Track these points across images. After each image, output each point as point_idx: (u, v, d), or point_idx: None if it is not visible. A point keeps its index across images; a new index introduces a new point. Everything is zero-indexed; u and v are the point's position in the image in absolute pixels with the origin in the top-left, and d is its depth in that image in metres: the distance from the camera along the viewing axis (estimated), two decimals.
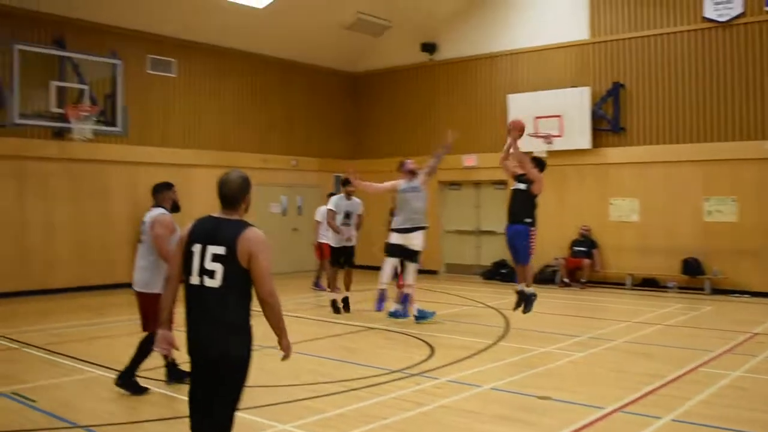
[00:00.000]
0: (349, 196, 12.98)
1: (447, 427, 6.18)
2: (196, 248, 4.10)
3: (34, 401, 6.90)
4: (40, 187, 15.10)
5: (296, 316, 12.19)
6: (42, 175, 15.09)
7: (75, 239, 15.52)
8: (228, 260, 4.02)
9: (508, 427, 6.17)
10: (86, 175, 15.71)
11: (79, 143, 14.74)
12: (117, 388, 7.14)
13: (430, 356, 8.99)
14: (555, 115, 17.14)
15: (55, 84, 14.06)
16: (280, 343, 4.35)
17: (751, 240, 15.18)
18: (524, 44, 18.35)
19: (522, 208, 10.35)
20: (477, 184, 19.52)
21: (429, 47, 19.91)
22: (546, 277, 17.31)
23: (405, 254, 11.38)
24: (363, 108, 21.93)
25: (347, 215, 12.83)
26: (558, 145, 17.13)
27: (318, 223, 15.42)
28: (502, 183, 18.67)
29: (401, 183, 11.61)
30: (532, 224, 10.31)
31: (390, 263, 11.47)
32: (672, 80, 16.27)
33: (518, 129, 10.58)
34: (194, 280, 4.08)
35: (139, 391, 7.14)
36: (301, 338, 9.82)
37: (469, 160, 19.17)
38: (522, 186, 10.47)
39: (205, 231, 4.13)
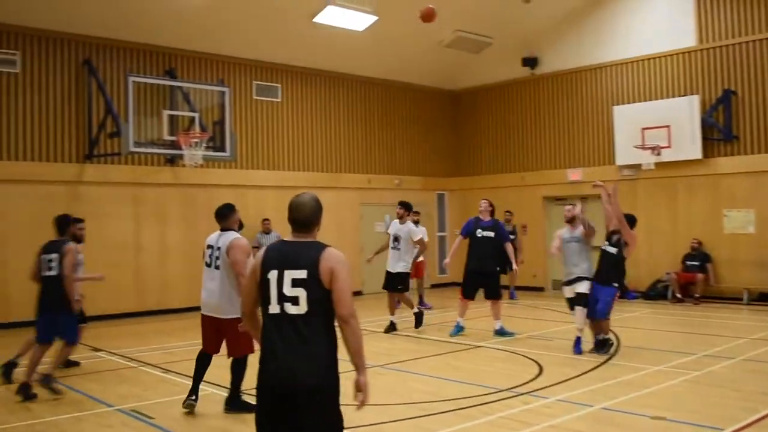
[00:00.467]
0: (401, 220, 12.75)
1: None
2: (272, 275, 3.85)
3: (152, 418, 7.17)
4: (155, 211, 15.72)
5: (405, 335, 12.25)
6: (157, 200, 15.72)
7: (188, 261, 16.06)
8: (310, 283, 3.79)
9: None
10: (198, 199, 16.26)
11: (191, 169, 15.29)
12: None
13: (539, 375, 8.88)
14: (663, 126, 16.68)
15: (167, 113, 14.64)
16: (357, 381, 3.86)
17: None
18: (628, 54, 17.96)
19: (613, 271, 10.04)
20: (583, 198, 19.15)
21: (530, 61, 19.76)
22: (658, 293, 16.83)
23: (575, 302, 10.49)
24: (465, 125, 21.91)
25: (395, 239, 12.73)
26: (666, 156, 16.67)
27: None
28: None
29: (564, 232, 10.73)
30: (620, 288, 10.13)
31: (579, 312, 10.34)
32: None
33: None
34: (274, 308, 3.83)
35: (251, 408, 7.11)
36: (410, 356, 9.87)
37: (575, 174, 18.87)
38: (612, 250, 10.06)
39: (281, 256, 3.90)
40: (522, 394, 7.89)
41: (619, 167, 17.86)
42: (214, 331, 7.33)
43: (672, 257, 16.81)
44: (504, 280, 13.57)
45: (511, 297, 17.11)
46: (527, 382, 8.43)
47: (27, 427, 7.03)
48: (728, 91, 16.26)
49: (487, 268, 12.05)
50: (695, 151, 16.43)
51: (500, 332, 11.83)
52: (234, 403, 7.36)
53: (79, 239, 9.57)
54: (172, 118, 14.84)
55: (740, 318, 14.10)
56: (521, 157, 20.29)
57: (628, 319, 13.61)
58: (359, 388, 3.85)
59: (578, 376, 8.75)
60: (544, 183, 19.65)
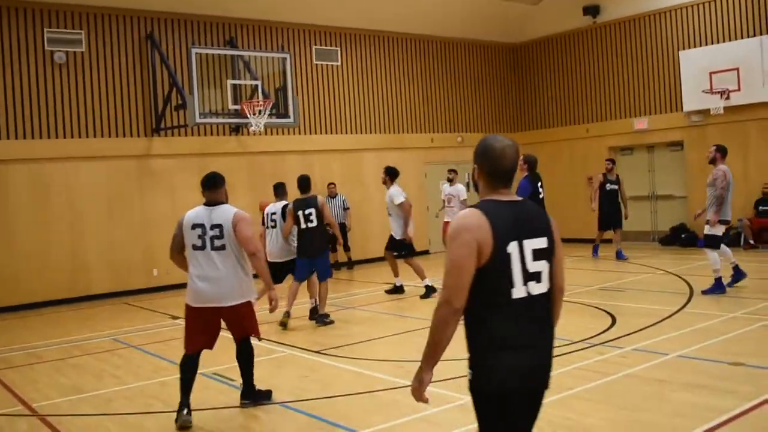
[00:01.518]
0: (385, 185, 12.54)
1: (637, 396, 6.10)
2: (513, 248, 2.98)
3: (233, 380, 7.40)
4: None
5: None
6: (224, 168, 15.87)
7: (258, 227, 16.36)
8: (550, 254, 3.11)
9: (702, 395, 6.00)
10: (264, 167, 16.48)
11: (255, 137, 15.50)
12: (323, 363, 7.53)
13: (612, 325, 8.87)
14: (732, 69, 16.23)
15: (230, 82, 14.81)
16: None
17: None
18: None
19: None
20: (650, 147, 18.83)
21: (591, 10, 19.33)
22: (731, 240, 16.46)
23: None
24: (526, 79, 21.65)
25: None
26: (736, 100, 16.22)
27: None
28: (678, 144, 17.98)
29: None
30: None
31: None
32: None
33: None
34: (519, 292, 3.00)
35: (268, 396, 6.67)
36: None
37: (641, 123, 18.52)
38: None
39: (516, 222, 3.02)
40: (596, 345, 7.91)
41: (686, 114, 17.47)
42: (214, 324, 6.29)
43: (744, 203, 16.43)
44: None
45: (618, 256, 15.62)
46: (600, 333, 8.44)
47: (109, 395, 7.34)
48: None
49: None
50: (766, 94, 15.95)
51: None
52: (256, 395, 6.63)
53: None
54: (235, 87, 14.98)
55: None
56: (586, 108, 19.98)
57: (700, 267, 13.40)
58: None
59: (652, 325, 8.72)
60: (609, 134, 19.34)
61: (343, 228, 16.13)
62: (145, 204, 15.09)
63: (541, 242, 3.07)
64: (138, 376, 7.94)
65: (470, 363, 3.09)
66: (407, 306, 11.76)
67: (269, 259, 10.05)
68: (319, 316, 10.30)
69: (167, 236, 15.11)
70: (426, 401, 3.20)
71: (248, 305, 6.35)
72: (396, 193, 12.09)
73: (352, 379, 7.32)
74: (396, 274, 12.74)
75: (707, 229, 10.58)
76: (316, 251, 10.22)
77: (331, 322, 10.28)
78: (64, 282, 14.16)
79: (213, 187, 6.44)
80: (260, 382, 7.03)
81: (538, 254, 3.05)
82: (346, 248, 16.77)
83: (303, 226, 10.19)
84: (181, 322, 11.14)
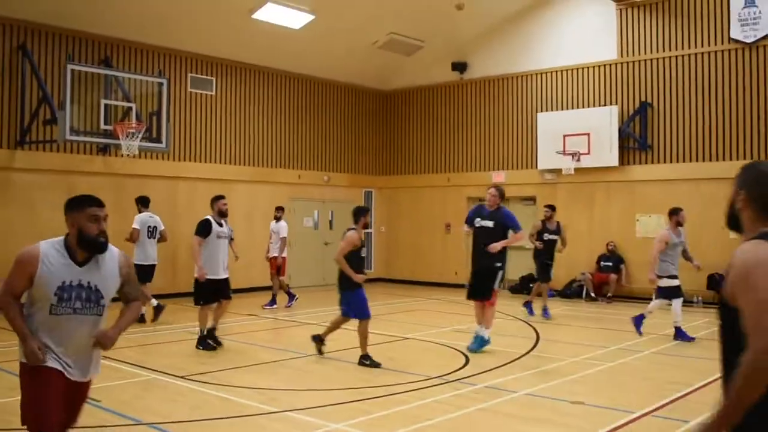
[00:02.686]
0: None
1: (489, 428, 6.64)
2: None
3: (99, 401, 7.40)
4: None
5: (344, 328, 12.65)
6: (88, 188, 15.60)
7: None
8: None
9: (545, 428, 6.60)
10: (129, 189, 16.28)
11: (122, 159, 15.33)
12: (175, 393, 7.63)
13: (465, 364, 9.43)
14: (583, 133, 17.58)
15: (104, 102, 14.65)
16: None
17: None
18: (553, 63, 18.81)
19: None
20: (506, 200, 19.88)
21: (460, 66, 20.42)
22: (573, 292, 17.70)
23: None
24: (395, 125, 22.45)
25: None
26: (586, 162, 17.56)
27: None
28: (531, 199, 19.12)
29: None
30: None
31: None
32: (698, 99, 16.65)
33: None
34: None
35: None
36: (346, 346, 10.30)
37: (498, 176, 19.61)
38: None
39: None
40: (451, 381, 8.42)
41: (540, 171, 18.69)
42: None
43: (588, 258, 17.70)
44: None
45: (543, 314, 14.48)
46: (455, 371, 8.97)
47: None
48: (645, 104, 17.25)
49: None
50: (612, 159, 17.37)
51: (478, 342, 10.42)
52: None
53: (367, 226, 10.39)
54: (107, 107, 14.82)
55: (649, 316, 14.96)
56: (448, 158, 20.94)
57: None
58: None
59: (502, 365, 9.35)
60: (468, 184, 20.34)
61: None
62: (0, 218, 14.55)
63: None
64: None
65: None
66: (272, 337, 11.97)
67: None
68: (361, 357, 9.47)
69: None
70: None
71: None
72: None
73: (220, 404, 7.48)
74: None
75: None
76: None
77: (376, 364, 9.29)
78: None
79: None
80: (126, 405, 7.12)
81: None
82: None
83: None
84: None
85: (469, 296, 11.05)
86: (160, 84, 15.26)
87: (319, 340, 10.03)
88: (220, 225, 10.64)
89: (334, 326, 9.95)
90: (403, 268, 21.65)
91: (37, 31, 15.14)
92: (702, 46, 16.60)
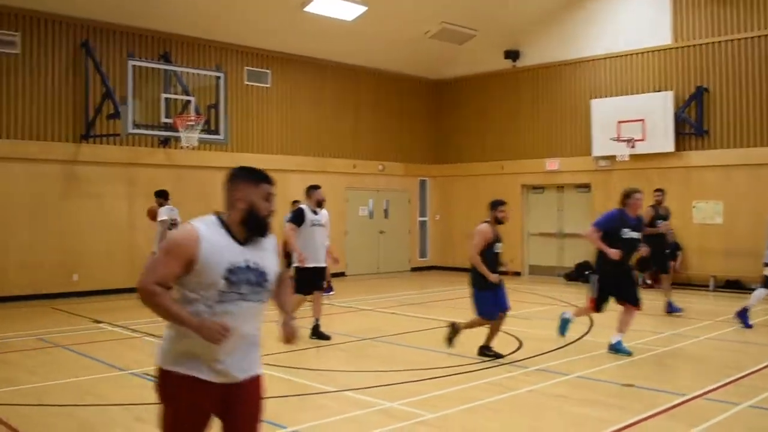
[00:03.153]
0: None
1: (538, 408, 6.79)
2: None
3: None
4: (147, 191, 16.14)
5: (392, 313, 12.92)
6: (150, 180, 16.18)
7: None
8: None
9: (596, 409, 6.72)
10: (190, 180, 16.76)
11: (182, 150, 15.77)
12: None
13: (518, 348, 9.57)
14: (638, 119, 17.46)
15: (164, 96, 15.09)
16: None
17: None
18: (607, 50, 18.69)
19: None
20: (560, 187, 19.92)
21: (512, 54, 20.41)
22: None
23: None
24: (447, 114, 22.55)
25: None
26: (640, 148, 17.45)
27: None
28: (586, 186, 19.08)
29: None
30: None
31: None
32: (757, 83, 16.39)
33: None
34: None
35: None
36: (401, 330, 10.54)
37: (552, 164, 19.61)
38: None
39: None
40: (504, 364, 8.59)
41: (595, 158, 18.61)
42: None
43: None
44: None
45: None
46: (508, 354, 9.11)
47: (44, 388, 7.61)
48: (701, 88, 17.04)
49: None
50: (668, 145, 17.22)
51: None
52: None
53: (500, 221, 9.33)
54: (167, 100, 15.27)
55: (706, 303, 14.92)
56: (501, 146, 20.98)
57: None
58: None
59: (555, 349, 9.46)
60: (522, 171, 20.37)
61: None
62: (68, 209, 15.12)
63: None
64: (69, 373, 8.18)
65: None
66: (328, 322, 12.27)
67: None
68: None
69: (89, 242, 15.34)
70: None
71: None
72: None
73: (280, 383, 7.76)
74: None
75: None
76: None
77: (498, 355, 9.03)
78: None
79: None
80: None
81: None
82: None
83: None
84: (104, 326, 11.38)
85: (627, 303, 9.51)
86: (218, 77, 15.65)
87: (488, 351, 9.05)
88: (315, 213, 10.45)
89: (493, 330, 9.15)
90: (457, 256, 21.77)
91: (98, 29, 15.66)
92: (760, 29, 16.32)
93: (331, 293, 15.66)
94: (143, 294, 3.34)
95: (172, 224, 14.00)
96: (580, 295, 15.57)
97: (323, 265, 10.53)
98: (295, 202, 15.84)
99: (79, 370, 8.34)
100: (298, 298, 10.12)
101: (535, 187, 20.45)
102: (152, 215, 14.52)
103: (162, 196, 14.40)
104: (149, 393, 7.19)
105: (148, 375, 7.95)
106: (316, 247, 10.33)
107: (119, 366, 8.54)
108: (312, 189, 10.69)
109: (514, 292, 16.01)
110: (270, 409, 6.69)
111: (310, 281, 10.34)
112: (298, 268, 10.29)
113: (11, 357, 9.15)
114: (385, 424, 6.11)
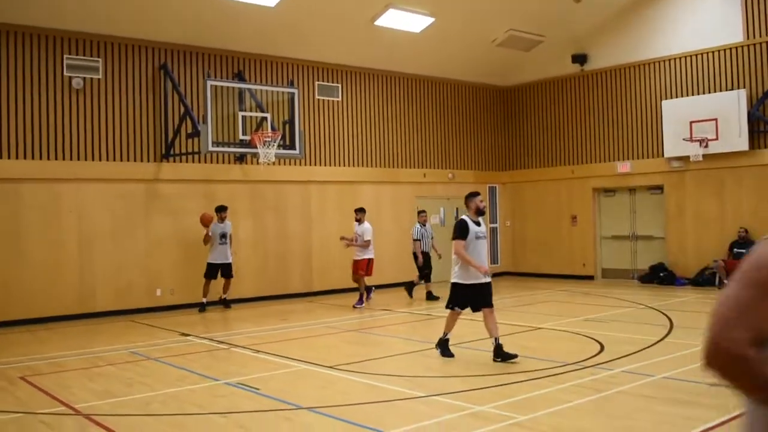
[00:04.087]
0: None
1: (627, 408, 6.89)
2: None
3: (258, 389, 8.08)
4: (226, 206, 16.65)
5: (471, 319, 13.06)
6: (227, 195, 16.66)
7: (256, 252, 17.05)
8: None
9: (686, 408, 6.79)
10: (265, 195, 17.22)
11: (258, 166, 16.18)
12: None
13: (600, 351, 9.64)
14: (711, 119, 17.27)
15: (241, 114, 15.56)
16: None
17: None
18: (675, 50, 18.54)
19: None
20: (632, 189, 19.80)
21: (580, 58, 20.40)
22: (706, 280, 17.44)
23: None
24: (516, 120, 22.62)
25: None
26: (714, 148, 17.25)
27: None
28: (659, 188, 18.94)
29: None
30: None
31: None
32: None
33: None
34: None
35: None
36: (480, 337, 10.69)
37: (624, 166, 19.51)
38: None
39: None
40: (588, 367, 8.68)
41: (667, 159, 18.47)
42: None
43: (719, 245, 17.38)
44: None
45: None
46: (591, 357, 9.21)
47: (144, 399, 8.00)
48: None
49: None
50: (742, 143, 16.99)
51: None
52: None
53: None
54: (243, 118, 15.73)
55: None
56: (571, 150, 20.96)
57: (677, 303, 14.29)
58: None
59: (638, 351, 9.51)
60: (593, 175, 20.32)
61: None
62: (150, 226, 15.69)
63: None
64: (166, 384, 8.56)
65: None
66: (409, 330, 12.49)
67: None
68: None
69: (171, 257, 15.86)
70: None
71: None
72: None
73: (369, 390, 8.01)
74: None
75: None
76: None
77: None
78: (71, 299, 14.67)
79: None
80: (282, 392, 7.79)
81: None
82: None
83: None
84: (193, 339, 11.79)
85: None
86: (291, 93, 16.05)
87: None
88: (477, 224, 9.52)
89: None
90: (529, 262, 21.81)
91: (176, 51, 16.23)
92: None
93: (362, 305, 15.70)
94: (722, 358, 1.94)
95: (222, 238, 15.41)
96: (654, 296, 15.52)
97: (487, 280, 9.52)
98: (359, 210, 16.12)
99: (175, 381, 8.72)
100: (452, 315, 9.75)
101: (606, 190, 20.36)
102: (206, 221, 15.49)
103: (219, 211, 15.75)
104: (244, 401, 7.61)
105: (241, 384, 8.31)
106: (482, 262, 9.47)
107: (212, 376, 8.90)
108: (470, 197, 9.70)
109: (589, 296, 16.03)
110: (365, 414, 6.98)
111: (469, 298, 9.55)
112: (454, 284, 9.59)
113: (107, 370, 9.58)
114: (479, 427, 6.30)
